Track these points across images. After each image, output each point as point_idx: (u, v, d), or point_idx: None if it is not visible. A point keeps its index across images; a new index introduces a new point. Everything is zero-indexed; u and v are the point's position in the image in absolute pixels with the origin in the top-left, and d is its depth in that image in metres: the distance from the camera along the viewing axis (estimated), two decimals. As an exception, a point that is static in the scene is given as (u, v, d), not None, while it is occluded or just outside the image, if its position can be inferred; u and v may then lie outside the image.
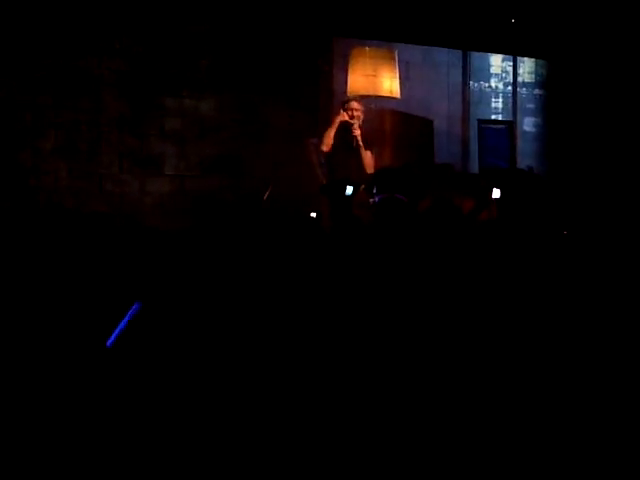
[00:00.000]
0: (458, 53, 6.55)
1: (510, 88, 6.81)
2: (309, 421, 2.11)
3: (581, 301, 2.50)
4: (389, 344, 2.39)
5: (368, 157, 5.17)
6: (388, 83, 5.66)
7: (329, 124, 5.19)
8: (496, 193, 3.10)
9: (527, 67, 6.93)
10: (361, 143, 5.11)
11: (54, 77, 5.25)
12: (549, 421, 2.07)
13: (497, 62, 6.81)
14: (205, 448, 2.03)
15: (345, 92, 5.76)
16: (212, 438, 2.05)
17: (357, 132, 5.10)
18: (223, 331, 2.78)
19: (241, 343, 2.65)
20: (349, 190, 3.47)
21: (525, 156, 6.81)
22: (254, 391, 2.26)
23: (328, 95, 5.95)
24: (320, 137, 5.20)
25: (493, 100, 6.79)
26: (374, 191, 2.81)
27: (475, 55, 6.63)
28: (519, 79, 6.84)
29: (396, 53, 5.80)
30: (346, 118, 5.12)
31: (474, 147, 6.53)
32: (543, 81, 6.98)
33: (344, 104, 5.25)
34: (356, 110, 5.14)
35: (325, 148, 5.14)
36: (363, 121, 5.22)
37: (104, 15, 5.34)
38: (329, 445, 2.01)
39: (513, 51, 6.67)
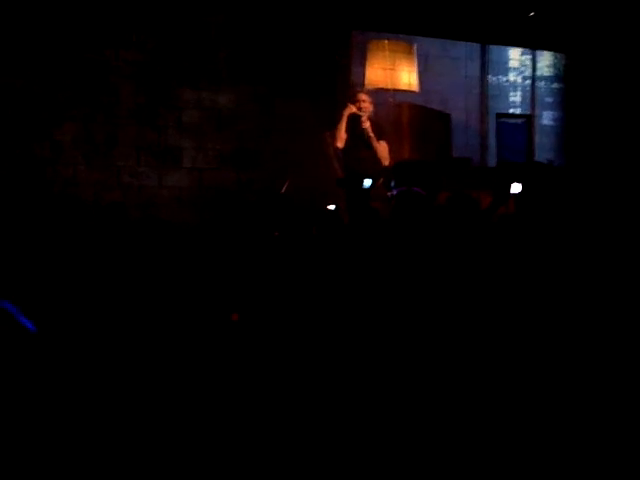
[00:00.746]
0: (476, 47, 6.50)
1: (528, 82, 6.76)
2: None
3: (593, 299, 2.49)
4: (401, 339, 2.38)
5: (382, 148, 5.18)
6: (406, 76, 5.64)
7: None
8: (516, 188, 3.07)
9: (545, 60, 6.88)
10: (372, 134, 5.11)
11: (72, 69, 5.27)
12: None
13: (515, 56, 6.76)
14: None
15: (363, 85, 5.74)
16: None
17: (366, 124, 5.10)
18: (239, 320, 2.79)
19: (256, 333, 2.66)
20: (367, 183, 3.47)
21: (543, 150, 6.76)
22: (258, 387, 2.27)
23: (346, 88, 5.93)
24: (334, 132, 5.22)
25: (511, 94, 6.74)
26: (392, 184, 2.80)
27: (493, 49, 6.58)
28: (537, 73, 6.79)
29: (414, 47, 5.78)
30: (353, 110, 5.11)
31: (492, 141, 6.49)
32: (561, 74, 6.92)
33: (351, 96, 5.26)
34: (364, 102, 5.15)
35: (340, 144, 5.16)
36: (376, 113, 5.23)
37: (121, 7, 5.36)
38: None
39: (531, 45, 6.62)
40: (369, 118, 5.15)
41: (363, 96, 5.18)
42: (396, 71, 5.62)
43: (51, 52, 5.19)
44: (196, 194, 5.63)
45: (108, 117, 5.43)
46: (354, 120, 5.16)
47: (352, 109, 5.12)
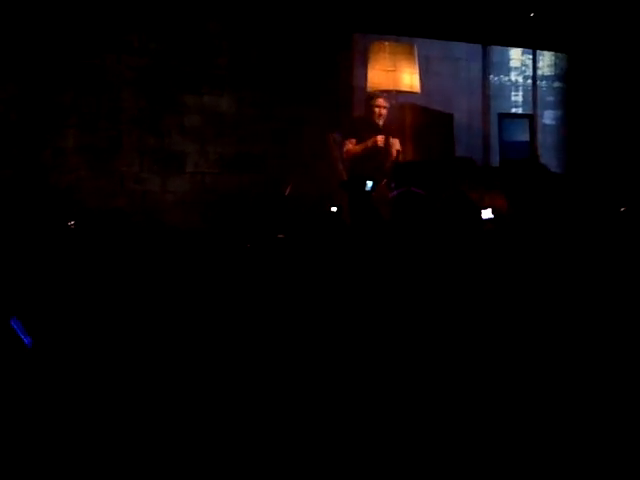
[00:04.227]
0: (477, 47, 6.51)
1: (530, 81, 6.77)
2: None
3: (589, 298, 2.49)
4: (401, 338, 2.39)
5: (397, 145, 5.31)
6: (408, 78, 5.64)
7: (352, 132, 5.34)
8: (486, 214, 3.04)
9: (546, 60, 6.88)
10: (394, 145, 5.27)
11: (74, 75, 5.29)
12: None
13: (516, 56, 6.77)
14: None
15: (365, 87, 5.76)
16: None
17: (380, 137, 5.23)
18: (242, 325, 2.79)
19: (260, 338, 2.66)
20: (369, 185, 3.47)
21: (546, 149, 6.76)
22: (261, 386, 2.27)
23: (348, 91, 5.95)
24: (342, 137, 5.31)
25: (513, 93, 6.75)
26: (392, 185, 2.81)
27: (494, 49, 6.59)
28: (538, 72, 6.79)
29: (415, 48, 5.78)
30: (380, 144, 5.22)
31: (495, 141, 6.50)
32: (563, 74, 6.92)
33: (369, 99, 5.32)
34: (383, 107, 5.25)
35: (346, 156, 5.26)
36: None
37: (123, 12, 5.38)
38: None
39: (532, 45, 6.62)
40: (385, 122, 5.27)
41: (382, 101, 5.29)
42: (398, 73, 5.63)
43: (53, 57, 5.21)
44: (199, 198, 5.64)
45: (110, 123, 5.43)
46: (355, 125, 5.28)
47: (380, 142, 5.24)
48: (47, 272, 3.09)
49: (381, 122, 5.29)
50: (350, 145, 5.33)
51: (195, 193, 5.65)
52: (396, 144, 5.32)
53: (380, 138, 5.26)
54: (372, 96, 5.39)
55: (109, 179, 5.44)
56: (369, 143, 5.27)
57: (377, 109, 5.28)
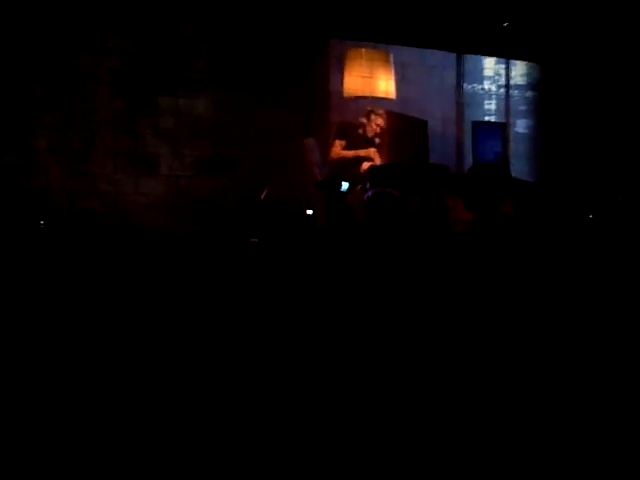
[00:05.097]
0: (452, 56, 6.59)
1: (503, 90, 6.86)
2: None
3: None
4: (380, 342, 2.39)
5: (377, 156, 5.49)
6: (384, 84, 5.69)
7: (343, 135, 5.45)
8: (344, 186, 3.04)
9: (519, 70, 6.99)
10: (377, 158, 5.43)
11: (48, 75, 5.24)
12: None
13: (490, 65, 6.86)
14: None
15: (341, 93, 5.80)
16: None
17: (374, 150, 5.40)
18: (217, 330, 2.78)
19: (236, 342, 2.65)
20: (344, 186, 3.49)
21: (518, 157, 6.85)
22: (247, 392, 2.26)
23: (324, 96, 5.98)
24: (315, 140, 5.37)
25: (486, 102, 6.83)
26: (367, 186, 2.83)
27: (469, 58, 6.67)
28: (511, 81, 6.89)
29: (391, 55, 5.84)
30: (373, 157, 5.39)
31: (468, 148, 6.56)
32: (535, 83, 7.03)
33: (370, 113, 5.43)
34: (380, 126, 5.37)
35: (334, 156, 5.35)
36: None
37: (99, 13, 5.34)
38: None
39: (505, 54, 6.73)
40: (379, 135, 5.46)
41: (380, 120, 5.39)
42: (374, 79, 5.68)
43: (27, 57, 5.15)
44: (173, 201, 5.61)
45: (84, 124, 5.39)
46: (347, 130, 5.38)
47: (374, 158, 5.40)
48: (16, 271, 3.05)
49: (377, 139, 5.41)
50: (339, 147, 5.41)
51: (169, 196, 5.61)
52: (376, 156, 5.45)
53: (373, 152, 5.42)
54: (372, 111, 5.52)
55: (81, 180, 5.39)
56: (361, 153, 5.40)
57: (376, 126, 5.43)
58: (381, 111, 5.53)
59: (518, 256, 2.70)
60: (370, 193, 2.76)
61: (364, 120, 5.49)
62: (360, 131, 5.49)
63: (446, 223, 3.51)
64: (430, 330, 2.43)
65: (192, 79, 5.67)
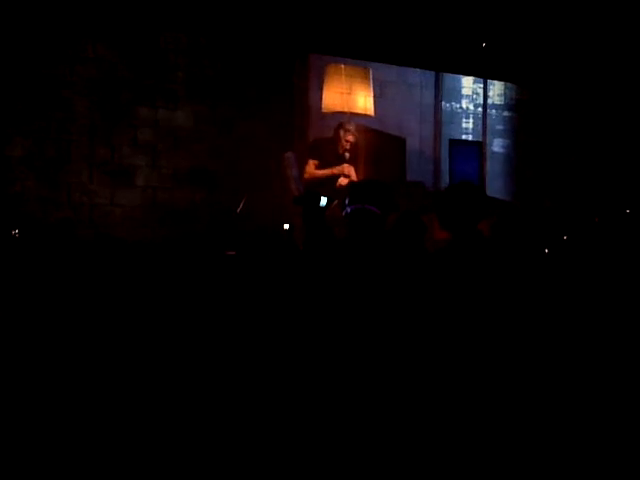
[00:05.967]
0: (431, 74, 6.65)
1: (480, 109, 6.94)
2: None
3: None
4: (358, 358, 2.39)
5: (352, 171, 5.48)
6: (362, 101, 5.72)
7: (315, 154, 5.47)
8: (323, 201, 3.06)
9: (497, 89, 7.08)
10: (350, 172, 5.43)
11: (25, 84, 5.19)
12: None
13: (468, 84, 6.94)
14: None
15: (320, 108, 5.81)
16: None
17: (347, 156, 5.41)
18: (194, 343, 2.75)
19: (215, 354, 2.63)
20: (323, 201, 3.48)
21: (494, 176, 6.92)
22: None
23: (303, 110, 6.00)
24: (295, 156, 5.38)
25: (464, 120, 6.90)
26: (346, 202, 2.82)
27: (447, 76, 6.74)
28: (489, 101, 6.98)
29: (371, 72, 5.88)
30: (347, 173, 5.39)
31: (445, 166, 6.62)
32: (512, 103, 7.13)
33: (338, 129, 5.42)
34: (351, 138, 5.38)
35: (307, 176, 5.35)
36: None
37: (79, 23, 5.31)
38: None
39: (483, 74, 6.81)
40: (350, 150, 5.45)
41: (350, 136, 5.40)
42: (352, 95, 5.71)
43: (4, 66, 5.10)
44: (150, 213, 5.56)
45: (60, 133, 5.34)
46: (319, 147, 5.37)
47: (344, 179, 5.38)
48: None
49: (347, 154, 5.39)
50: (312, 167, 5.42)
51: (145, 207, 5.57)
52: (351, 171, 5.45)
53: (347, 168, 5.41)
54: (341, 127, 5.49)
55: (56, 190, 5.32)
56: (335, 171, 5.40)
57: (346, 142, 5.42)
58: (351, 126, 5.50)
59: (494, 275, 2.71)
60: (349, 209, 2.76)
61: (335, 136, 5.48)
62: (331, 147, 5.49)
63: (423, 241, 3.53)
64: (408, 347, 2.43)
65: (172, 91, 5.66)
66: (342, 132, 5.44)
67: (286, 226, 4.20)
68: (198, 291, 3.21)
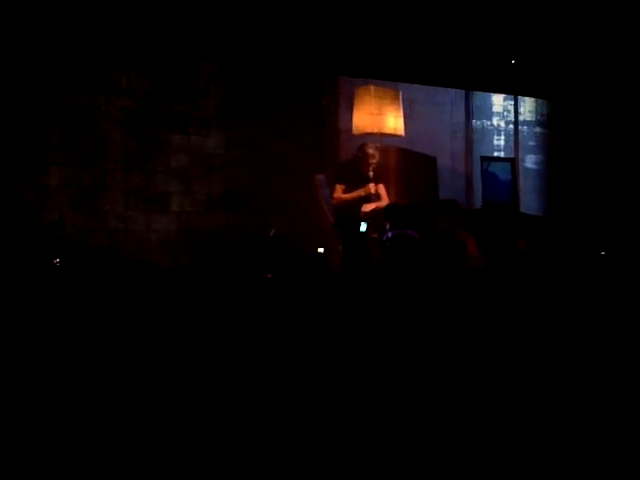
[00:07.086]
0: (460, 92, 6.65)
1: (512, 126, 6.91)
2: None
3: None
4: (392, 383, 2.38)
5: (383, 190, 5.45)
6: (392, 121, 5.74)
7: (341, 177, 5.48)
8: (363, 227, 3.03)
9: (528, 106, 7.05)
10: (379, 192, 5.45)
11: (60, 114, 5.28)
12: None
13: (498, 101, 6.92)
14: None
15: (350, 130, 5.84)
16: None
17: (372, 185, 5.40)
18: (231, 365, 2.76)
19: (248, 377, 2.63)
20: (363, 227, 3.50)
21: (527, 192, 6.88)
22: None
23: (334, 133, 6.03)
24: (326, 179, 5.40)
25: (495, 138, 6.88)
26: (387, 227, 2.83)
27: (477, 94, 6.74)
28: (520, 117, 6.95)
29: (400, 92, 5.90)
30: (373, 192, 5.40)
31: (477, 184, 6.59)
32: (544, 119, 7.09)
33: (360, 149, 5.42)
34: (374, 159, 5.36)
35: (335, 202, 5.37)
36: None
37: (112, 53, 5.42)
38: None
39: (514, 91, 6.79)
40: (374, 169, 5.41)
41: (372, 152, 5.40)
42: (382, 116, 5.73)
43: (40, 95, 5.21)
44: (184, 238, 5.62)
45: (96, 161, 5.42)
46: (345, 170, 5.38)
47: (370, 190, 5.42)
48: (34, 310, 3.04)
49: (371, 173, 5.39)
50: (340, 191, 5.43)
51: (180, 233, 5.63)
52: (382, 190, 5.44)
53: (372, 187, 5.40)
54: (363, 147, 5.48)
55: (93, 217, 5.40)
56: (362, 192, 5.40)
57: (369, 160, 5.40)
58: (373, 146, 5.48)
59: (533, 292, 2.70)
60: (390, 234, 2.76)
61: (357, 157, 5.49)
62: (356, 169, 5.49)
63: (462, 260, 3.51)
64: (443, 371, 2.42)
65: (203, 117, 5.73)
66: (363, 151, 5.44)
67: (321, 250, 4.22)
68: (241, 313, 3.22)
